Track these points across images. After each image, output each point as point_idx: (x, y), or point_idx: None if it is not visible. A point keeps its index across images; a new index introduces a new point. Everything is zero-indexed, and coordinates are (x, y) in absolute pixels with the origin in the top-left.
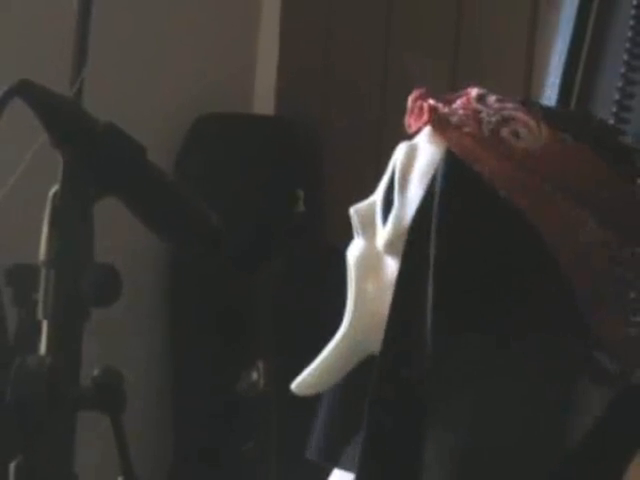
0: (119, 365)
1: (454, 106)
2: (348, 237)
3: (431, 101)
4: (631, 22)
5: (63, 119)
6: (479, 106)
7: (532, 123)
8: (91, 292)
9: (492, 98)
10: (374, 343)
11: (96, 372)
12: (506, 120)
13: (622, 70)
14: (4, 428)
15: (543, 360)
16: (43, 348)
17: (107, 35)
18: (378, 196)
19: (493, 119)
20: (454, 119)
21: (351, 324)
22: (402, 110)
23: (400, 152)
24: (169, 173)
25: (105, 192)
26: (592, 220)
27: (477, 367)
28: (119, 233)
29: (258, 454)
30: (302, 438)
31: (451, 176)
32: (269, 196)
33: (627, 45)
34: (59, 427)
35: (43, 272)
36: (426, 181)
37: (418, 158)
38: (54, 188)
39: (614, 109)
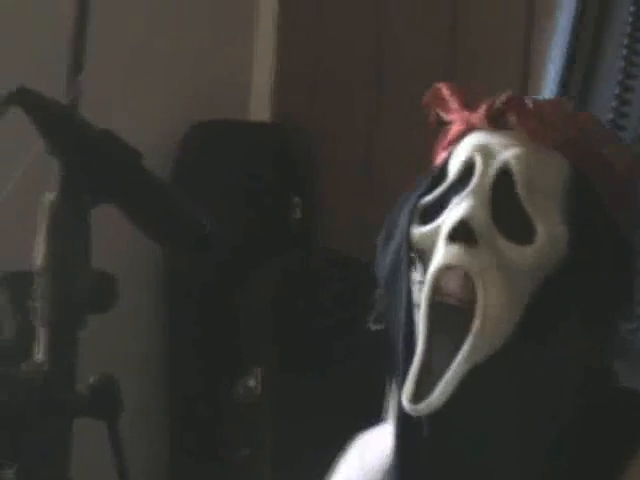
0: (115, 371)
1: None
2: (344, 243)
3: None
4: (628, 29)
5: (59, 126)
6: (581, 121)
7: (618, 142)
8: (87, 299)
9: (582, 114)
10: (484, 354)
11: (92, 378)
12: (604, 138)
13: (619, 77)
14: (0, 434)
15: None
16: (39, 355)
17: (103, 43)
18: (478, 201)
19: (597, 136)
20: (574, 136)
21: (477, 339)
22: (396, 117)
23: (517, 161)
24: (165, 179)
25: (101, 198)
26: None
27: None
28: (115, 239)
29: (253, 459)
30: (297, 444)
31: (588, 204)
32: (265, 203)
33: (624, 52)
34: (55, 433)
35: (39, 279)
36: (557, 201)
37: (541, 172)
38: (51, 195)
39: (611, 116)
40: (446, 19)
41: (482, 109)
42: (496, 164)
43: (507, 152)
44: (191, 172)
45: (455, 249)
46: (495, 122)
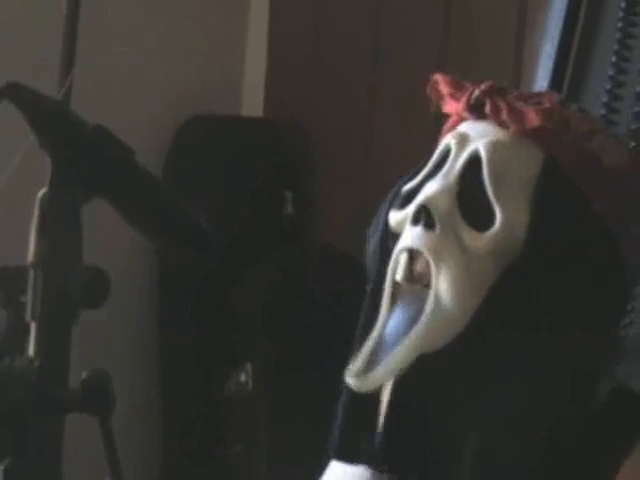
0: (107, 367)
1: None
2: (336, 238)
3: (547, 104)
4: (619, 24)
5: (51, 121)
6: (565, 113)
7: (613, 136)
8: (79, 294)
9: (573, 106)
10: (436, 343)
11: (84, 374)
12: (593, 131)
13: (611, 72)
14: None
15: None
16: (31, 350)
17: (95, 38)
18: (443, 186)
19: (584, 129)
20: (551, 127)
21: (429, 320)
22: (391, 112)
23: (486, 148)
24: (157, 175)
25: (93, 194)
26: None
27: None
28: (107, 234)
29: (246, 456)
30: (290, 440)
31: (558, 193)
32: (258, 198)
33: (615, 47)
34: (47, 429)
35: (31, 274)
36: (527, 190)
37: (511, 160)
38: (43, 190)
39: (603, 111)
40: (440, 14)
41: (463, 98)
42: (467, 150)
43: (480, 140)
44: (184, 167)
45: (415, 232)
46: (477, 111)
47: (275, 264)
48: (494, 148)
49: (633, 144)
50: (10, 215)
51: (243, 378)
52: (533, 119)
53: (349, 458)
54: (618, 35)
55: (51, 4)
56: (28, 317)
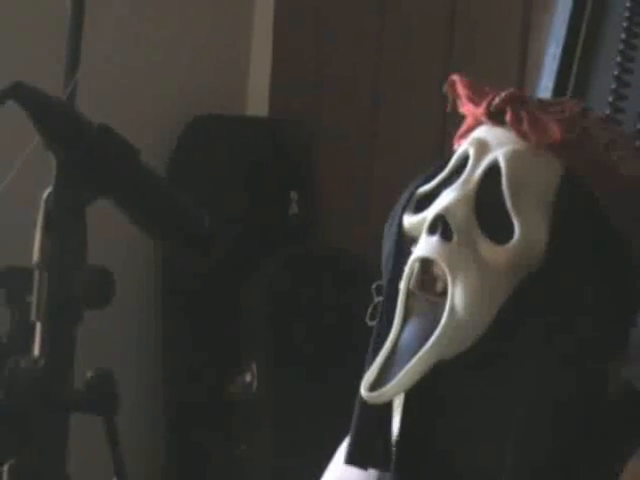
0: (111, 367)
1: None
2: (342, 238)
3: (562, 115)
4: (624, 23)
5: (56, 121)
6: (586, 123)
7: (632, 148)
8: (84, 294)
9: (593, 115)
10: (449, 353)
11: (89, 374)
12: (613, 142)
13: (616, 72)
14: None
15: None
16: (36, 350)
17: (100, 37)
18: (461, 196)
19: (603, 141)
20: (570, 138)
21: (443, 333)
22: (396, 112)
23: (506, 158)
24: (162, 175)
25: (98, 194)
26: None
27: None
28: (112, 234)
29: (251, 456)
30: (294, 440)
31: (577, 207)
32: (262, 198)
33: (620, 46)
34: (52, 429)
35: (36, 274)
36: (546, 203)
37: (531, 172)
38: (47, 190)
39: (608, 111)
40: (444, 14)
41: (483, 104)
42: (487, 160)
43: (500, 149)
44: (189, 167)
45: (431, 241)
46: (496, 118)
47: (280, 264)
48: (514, 158)
49: (638, 144)
50: (15, 215)
51: (248, 378)
52: (554, 130)
53: (362, 463)
54: (623, 35)
55: (56, 4)
56: (33, 317)
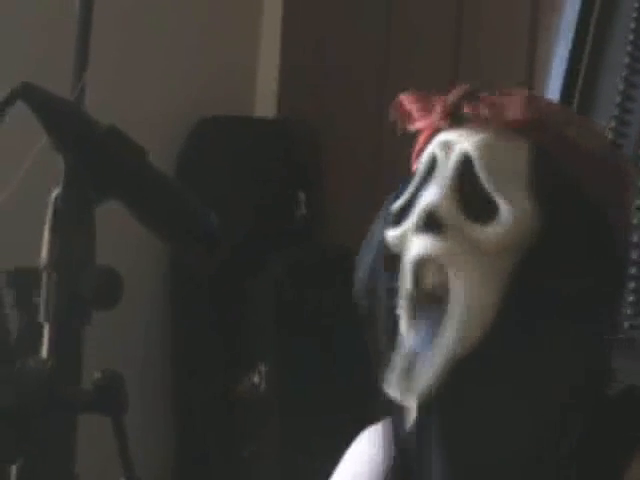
0: (120, 367)
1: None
2: (349, 239)
3: (521, 99)
4: (632, 25)
5: (65, 122)
6: (539, 105)
7: (585, 124)
8: (92, 295)
9: (541, 99)
10: (465, 345)
11: (97, 374)
12: (569, 119)
13: (624, 73)
14: (5, 430)
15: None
16: (44, 351)
17: (108, 39)
18: (441, 190)
19: (561, 119)
20: (531, 117)
21: (453, 328)
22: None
23: (475, 146)
24: (170, 176)
25: (106, 195)
26: None
27: None
28: (121, 235)
29: (259, 457)
30: (302, 441)
31: (552, 177)
32: (270, 199)
33: (629, 48)
34: (60, 429)
35: (44, 275)
36: (522, 178)
37: (501, 152)
38: (55, 191)
39: (616, 112)
40: (452, 15)
41: (439, 108)
42: (456, 154)
43: (466, 142)
44: (196, 168)
45: (424, 239)
46: (454, 119)
47: (287, 265)
48: (483, 144)
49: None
50: (23, 216)
51: (255, 379)
52: (514, 109)
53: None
54: (631, 36)
55: (64, 5)
56: (41, 318)
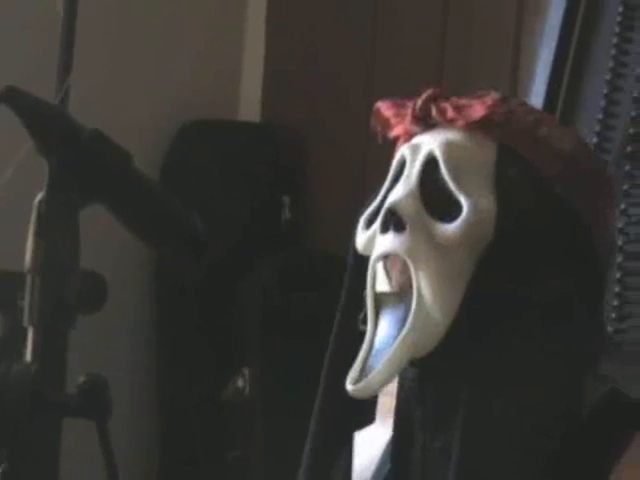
0: (105, 371)
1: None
2: (334, 243)
3: (483, 103)
4: (616, 29)
5: (49, 126)
6: (509, 106)
7: (558, 124)
8: (76, 299)
9: (514, 100)
10: (426, 344)
11: (81, 379)
12: (539, 119)
13: (608, 77)
14: None
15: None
16: (29, 355)
17: (92, 43)
18: (405, 190)
19: (530, 118)
20: (498, 118)
21: (414, 324)
22: None
23: (440, 147)
24: (155, 180)
25: (91, 199)
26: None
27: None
28: (105, 239)
29: (244, 461)
30: (287, 444)
31: (518, 174)
32: (255, 203)
33: (613, 52)
34: (44, 433)
35: (28, 279)
36: (487, 177)
37: (467, 153)
38: (40, 195)
39: (600, 116)
40: (437, 21)
41: (408, 111)
42: (422, 154)
43: (433, 143)
44: (181, 172)
45: (386, 238)
46: (424, 123)
47: (273, 269)
48: (448, 145)
49: (630, 149)
50: (7, 220)
51: (240, 383)
52: (478, 110)
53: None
54: (615, 40)
55: (48, 8)
56: (25, 322)
